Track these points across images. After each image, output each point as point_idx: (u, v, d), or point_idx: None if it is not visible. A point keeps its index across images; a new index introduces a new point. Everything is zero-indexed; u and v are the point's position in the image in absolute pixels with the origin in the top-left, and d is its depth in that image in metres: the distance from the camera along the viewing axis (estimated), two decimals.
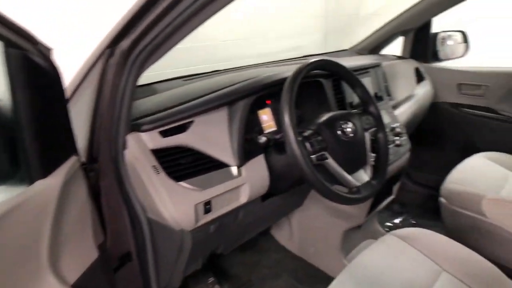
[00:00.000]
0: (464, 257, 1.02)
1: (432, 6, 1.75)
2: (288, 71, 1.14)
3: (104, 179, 0.83)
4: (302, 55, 1.82)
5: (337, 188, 0.91)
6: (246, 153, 0.99)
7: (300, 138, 0.89)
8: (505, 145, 1.70)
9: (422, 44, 1.99)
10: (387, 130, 1.20)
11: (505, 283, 0.94)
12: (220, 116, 0.98)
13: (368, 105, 1.08)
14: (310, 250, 1.61)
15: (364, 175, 1.01)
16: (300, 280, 1.56)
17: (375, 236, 1.66)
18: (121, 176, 0.85)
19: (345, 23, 3.31)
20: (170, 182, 0.86)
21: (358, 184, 0.97)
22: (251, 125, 1.05)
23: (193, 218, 0.89)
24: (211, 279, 1.53)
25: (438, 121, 2.02)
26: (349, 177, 0.96)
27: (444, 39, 2.04)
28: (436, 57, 2.03)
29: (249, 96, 1.00)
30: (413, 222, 1.93)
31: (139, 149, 0.84)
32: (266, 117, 1.12)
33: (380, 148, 1.07)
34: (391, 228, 1.86)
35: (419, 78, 1.93)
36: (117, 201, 0.86)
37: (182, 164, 0.89)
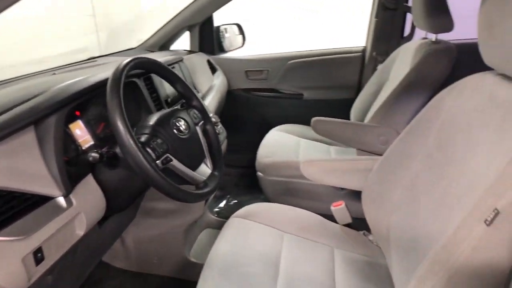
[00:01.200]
0: (295, 216, 1.19)
1: (211, 2, 1.88)
2: (93, 75, 1.00)
3: None
4: (87, 58, 1.64)
5: (188, 188, 0.88)
6: (71, 177, 0.82)
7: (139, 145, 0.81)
8: (290, 117, 2.05)
9: (208, 38, 2.13)
10: None
11: (328, 224, 1.16)
12: (26, 140, 0.76)
13: (191, 99, 1.08)
14: (153, 261, 1.52)
15: (206, 168, 1.02)
16: None
17: (211, 225, 1.72)
18: None
19: (121, 22, 3.17)
20: None
21: (204, 178, 0.97)
22: (68, 143, 0.88)
23: (23, 276, 0.68)
24: None
25: (235, 106, 2.24)
26: (195, 174, 0.94)
27: (223, 32, 2.24)
28: (222, 49, 2.22)
29: (62, 108, 0.83)
30: (235, 201, 2.08)
31: None
32: (79, 131, 0.95)
33: (211, 139, 1.09)
34: (219, 213, 1.96)
35: (212, 69, 2.06)
36: None
37: None
